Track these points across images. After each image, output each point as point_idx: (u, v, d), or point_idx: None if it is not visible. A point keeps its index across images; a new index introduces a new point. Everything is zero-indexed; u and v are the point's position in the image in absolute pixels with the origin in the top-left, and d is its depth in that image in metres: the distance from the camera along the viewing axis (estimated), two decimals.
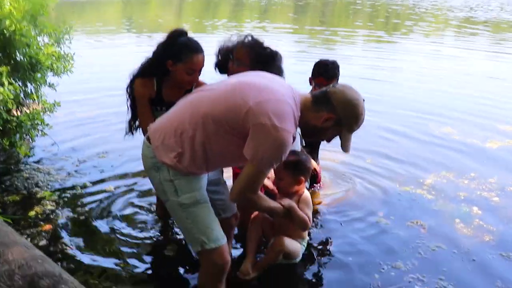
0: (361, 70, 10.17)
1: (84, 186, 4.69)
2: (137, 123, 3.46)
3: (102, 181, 4.84)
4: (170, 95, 3.22)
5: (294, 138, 2.40)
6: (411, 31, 18.81)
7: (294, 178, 2.99)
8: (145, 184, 4.65)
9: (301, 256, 3.28)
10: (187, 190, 2.53)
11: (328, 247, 3.83)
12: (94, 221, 4.06)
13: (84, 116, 6.99)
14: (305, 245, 3.28)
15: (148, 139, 2.57)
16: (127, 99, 3.39)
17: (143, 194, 4.56)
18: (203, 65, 3.17)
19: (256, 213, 3.27)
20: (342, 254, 3.69)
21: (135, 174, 4.97)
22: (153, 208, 4.23)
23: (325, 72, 4.15)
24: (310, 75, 4.24)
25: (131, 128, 3.51)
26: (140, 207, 4.32)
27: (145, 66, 3.23)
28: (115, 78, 6.23)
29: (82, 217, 4.12)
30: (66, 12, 21.98)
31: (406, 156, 5.78)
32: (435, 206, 4.60)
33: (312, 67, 4.26)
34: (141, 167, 2.85)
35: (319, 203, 4.49)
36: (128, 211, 4.26)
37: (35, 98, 4.72)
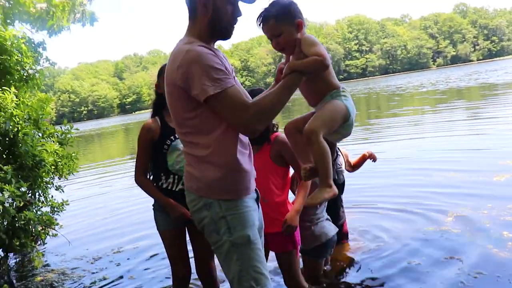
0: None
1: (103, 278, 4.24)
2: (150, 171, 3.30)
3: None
4: None
5: (205, 47, 2.08)
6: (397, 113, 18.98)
7: (291, 25, 2.20)
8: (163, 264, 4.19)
9: (352, 118, 2.24)
10: (241, 227, 2.16)
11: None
12: None
13: (95, 213, 6.65)
14: (346, 95, 2.26)
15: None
16: None
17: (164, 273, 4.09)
18: None
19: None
20: None
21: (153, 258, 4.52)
22: None
23: None
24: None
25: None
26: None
27: (153, 106, 3.33)
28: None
29: None
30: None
31: (422, 200, 5.41)
32: (464, 238, 4.16)
33: None
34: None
35: (349, 255, 4.13)
36: None
37: (43, 199, 4.41)
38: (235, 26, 2.24)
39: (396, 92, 32.08)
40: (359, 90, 45.80)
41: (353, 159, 4.37)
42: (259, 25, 2.23)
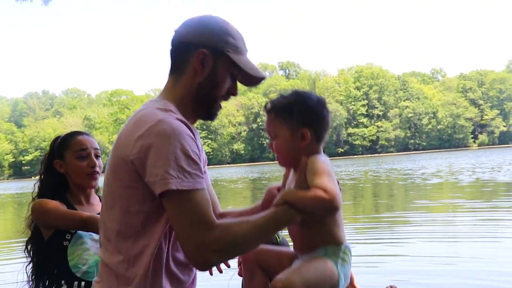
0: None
1: None
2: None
3: None
4: (83, 209, 3.40)
5: (184, 122, 2.20)
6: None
7: (291, 131, 2.32)
8: None
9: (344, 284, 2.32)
10: None
11: None
12: None
13: None
14: (345, 258, 2.34)
15: None
16: (28, 251, 3.42)
17: None
18: (96, 147, 3.48)
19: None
20: None
21: None
22: None
23: None
24: None
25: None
26: None
27: (40, 190, 3.50)
28: None
29: None
30: None
31: None
32: None
33: None
34: None
35: None
36: None
37: None
38: (221, 107, 2.44)
39: (391, 180, 32.61)
40: (340, 171, 46.47)
41: None
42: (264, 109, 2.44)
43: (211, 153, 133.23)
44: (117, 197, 2.21)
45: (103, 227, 2.29)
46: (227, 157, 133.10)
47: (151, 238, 2.17)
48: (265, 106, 2.42)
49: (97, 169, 3.42)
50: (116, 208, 2.20)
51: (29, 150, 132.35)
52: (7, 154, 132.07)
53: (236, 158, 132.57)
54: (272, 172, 57.64)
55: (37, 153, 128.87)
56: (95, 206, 3.48)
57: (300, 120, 2.32)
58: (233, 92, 2.40)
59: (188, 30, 2.34)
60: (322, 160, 2.30)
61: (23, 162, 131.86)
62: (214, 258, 2.08)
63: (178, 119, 2.17)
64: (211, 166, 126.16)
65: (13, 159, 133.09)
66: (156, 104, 2.25)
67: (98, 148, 3.51)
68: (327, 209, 2.18)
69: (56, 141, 3.60)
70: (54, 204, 3.30)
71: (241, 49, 2.35)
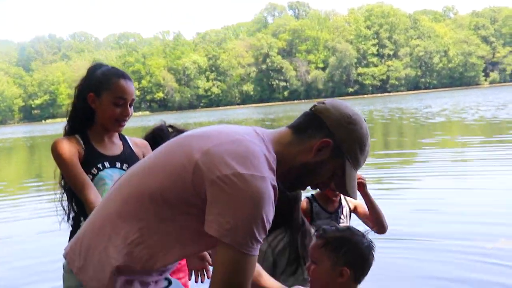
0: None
1: None
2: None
3: None
4: (105, 148, 3.35)
5: (275, 190, 2.15)
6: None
7: (333, 265, 2.44)
8: None
9: None
10: None
11: None
12: None
13: None
14: None
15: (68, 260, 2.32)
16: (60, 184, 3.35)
17: None
18: (134, 96, 3.33)
19: None
20: None
21: None
22: None
23: None
24: None
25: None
26: None
27: (68, 120, 3.36)
28: None
29: None
30: None
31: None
32: None
33: None
34: None
35: None
36: None
37: None
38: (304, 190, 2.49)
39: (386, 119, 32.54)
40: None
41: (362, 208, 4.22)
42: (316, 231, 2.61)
43: (221, 95, 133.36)
44: (159, 185, 2.14)
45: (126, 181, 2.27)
46: (237, 98, 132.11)
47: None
48: (317, 230, 2.55)
49: (128, 118, 3.35)
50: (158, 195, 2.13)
51: (38, 94, 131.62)
52: (16, 98, 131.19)
53: (245, 99, 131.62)
54: (277, 113, 57.37)
55: (46, 97, 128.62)
56: (116, 145, 3.42)
57: (345, 259, 2.42)
58: (321, 187, 2.41)
59: (336, 116, 2.25)
60: None
61: (33, 106, 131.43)
62: None
63: (274, 185, 2.13)
64: (220, 108, 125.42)
65: (23, 103, 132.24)
66: (266, 151, 2.19)
67: (134, 97, 3.38)
68: None
69: (96, 70, 3.36)
70: (72, 159, 3.17)
71: (358, 166, 2.30)
